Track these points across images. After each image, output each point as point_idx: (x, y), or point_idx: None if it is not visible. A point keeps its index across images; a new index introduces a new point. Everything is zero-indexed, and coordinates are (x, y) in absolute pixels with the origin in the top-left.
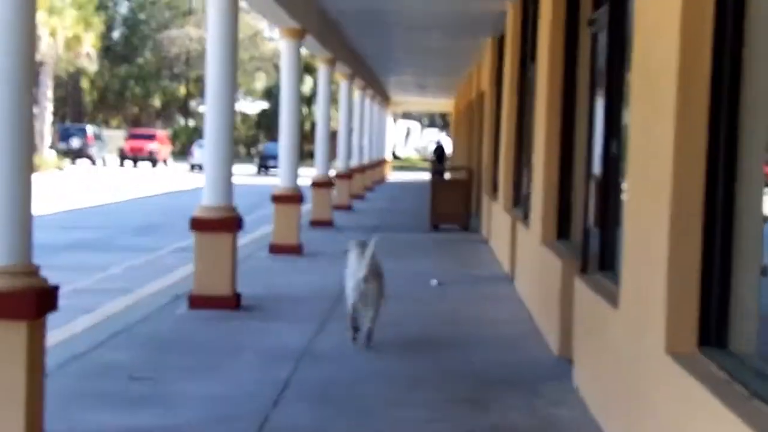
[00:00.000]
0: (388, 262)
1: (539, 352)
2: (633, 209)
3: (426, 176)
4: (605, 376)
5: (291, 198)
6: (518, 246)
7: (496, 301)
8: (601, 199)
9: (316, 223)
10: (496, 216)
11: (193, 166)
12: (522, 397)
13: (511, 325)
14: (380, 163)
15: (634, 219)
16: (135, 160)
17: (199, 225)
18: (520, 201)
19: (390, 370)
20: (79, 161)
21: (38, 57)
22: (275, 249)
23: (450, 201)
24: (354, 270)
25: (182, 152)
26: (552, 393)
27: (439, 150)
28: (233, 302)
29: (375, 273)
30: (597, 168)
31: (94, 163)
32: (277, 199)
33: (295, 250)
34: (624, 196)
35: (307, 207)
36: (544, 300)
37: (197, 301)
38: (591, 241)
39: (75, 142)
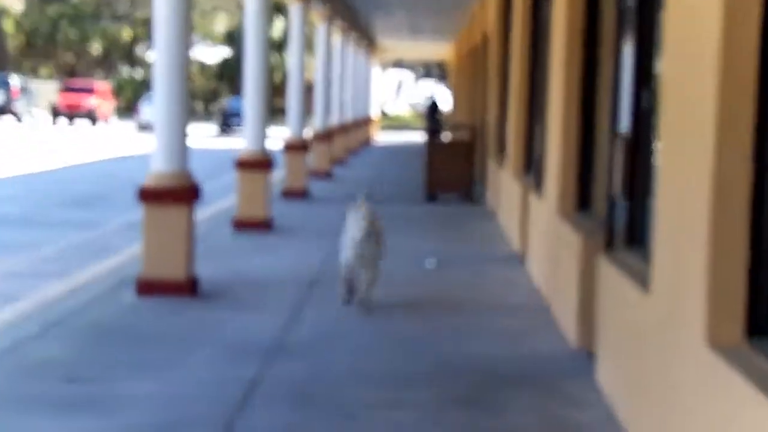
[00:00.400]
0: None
1: (555, 345)
2: (668, 174)
3: (421, 137)
4: (633, 371)
5: (258, 163)
6: (530, 219)
7: (503, 285)
8: (629, 163)
9: (288, 194)
10: (503, 184)
11: (141, 126)
12: (534, 397)
13: (521, 312)
14: (366, 121)
15: (668, 186)
16: (70, 118)
17: (148, 196)
18: (532, 166)
19: (377, 366)
20: (1, 118)
21: None
22: (240, 224)
23: (449, 166)
24: (352, 231)
25: (128, 109)
26: (570, 392)
27: (433, 106)
28: (189, 288)
29: (373, 231)
30: (624, 125)
31: (20, 120)
32: (242, 164)
33: (264, 225)
34: (657, 159)
35: (278, 174)
36: (561, 283)
37: (147, 287)
38: (617, 213)
39: None
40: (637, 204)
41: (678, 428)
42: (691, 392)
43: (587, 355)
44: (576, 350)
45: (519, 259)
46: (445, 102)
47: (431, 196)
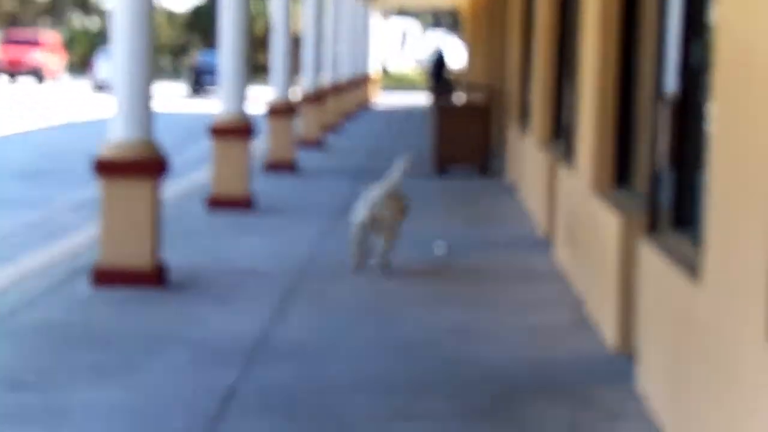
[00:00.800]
0: None
1: (589, 347)
2: (723, 142)
3: (428, 100)
4: (683, 376)
5: (237, 131)
6: (559, 197)
7: (526, 275)
8: (676, 130)
9: (273, 167)
10: (527, 155)
11: (97, 85)
12: (565, 409)
13: (549, 308)
14: (363, 81)
15: (723, 156)
16: (12, 75)
17: (106, 169)
18: (561, 133)
19: (380, 371)
20: None
21: None
22: (216, 202)
23: (462, 134)
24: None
25: (81, 65)
26: (607, 402)
27: (439, 61)
28: (156, 277)
29: (394, 195)
30: (671, 85)
31: None
32: (218, 132)
33: (244, 203)
34: (710, 125)
35: (260, 143)
36: (596, 272)
37: (105, 277)
38: (662, 189)
39: None
40: (686, 178)
41: None
42: (751, 398)
43: (626, 358)
44: (613, 352)
45: (545, 244)
46: (457, 57)
47: (441, 169)
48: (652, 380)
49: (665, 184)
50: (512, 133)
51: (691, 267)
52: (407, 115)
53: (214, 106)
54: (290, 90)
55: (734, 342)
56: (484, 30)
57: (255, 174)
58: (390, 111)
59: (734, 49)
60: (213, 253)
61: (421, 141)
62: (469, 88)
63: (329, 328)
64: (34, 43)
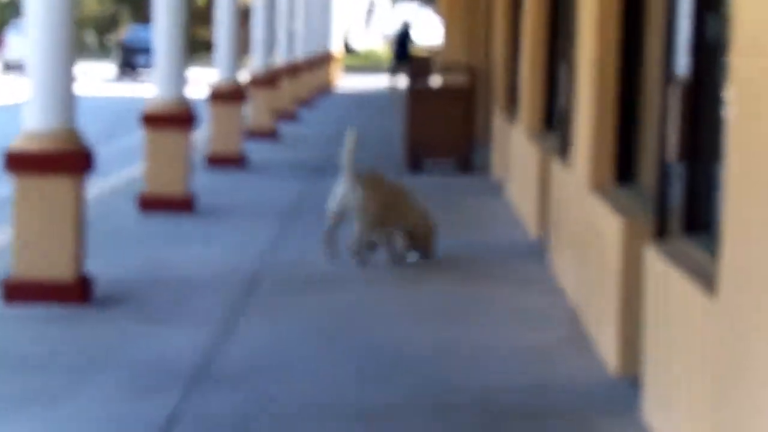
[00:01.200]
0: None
1: (587, 369)
2: (742, 132)
3: (400, 82)
4: (693, 404)
5: (174, 119)
6: (553, 196)
7: (517, 286)
8: (688, 116)
9: (217, 161)
10: (515, 147)
11: (7, 65)
12: None
13: (542, 324)
14: (324, 60)
15: (743, 148)
16: None
17: (20, 163)
18: (554, 122)
19: (344, 397)
20: None
21: None
22: (150, 203)
23: (440, 123)
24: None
25: None
26: None
27: (403, 35)
28: (79, 291)
29: (370, 179)
30: (682, 64)
31: None
32: (152, 120)
33: (183, 204)
34: (727, 111)
35: (201, 134)
36: (595, 284)
37: (19, 291)
38: (672, 186)
39: None
40: (700, 174)
41: None
42: None
43: (630, 383)
44: (615, 376)
45: (537, 250)
46: (432, 32)
47: (415, 164)
48: (659, 408)
49: (675, 181)
50: (498, 122)
51: (705, 278)
52: (375, 100)
53: (146, 90)
54: (237, 71)
55: (755, 366)
56: (465, 3)
57: (196, 170)
58: (355, 95)
59: (756, 24)
60: (147, 263)
61: (391, 131)
62: (447, 68)
63: (285, 347)
64: None
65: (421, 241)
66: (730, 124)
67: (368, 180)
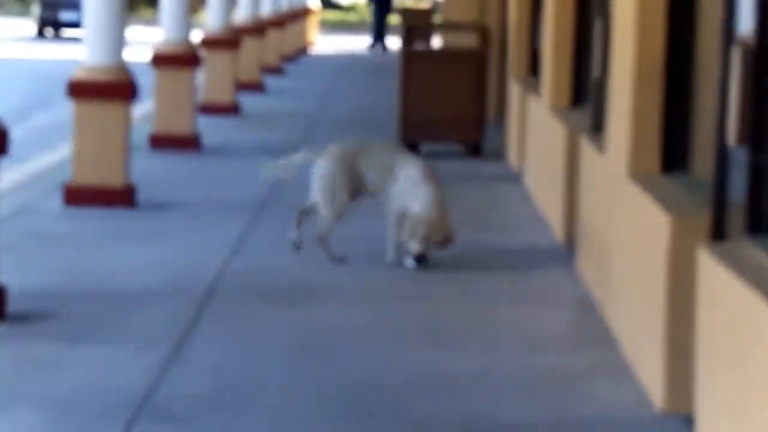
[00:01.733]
0: (310, 229)
1: (625, 404)
2: None
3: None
4: None
5: (109, 88)
6: (582, 187)
7: (538, 300)
8: (755, 88)
9: (163, 142)
10: (537, 126)
11: None
12: None
13: (568, 347)
14: (297, 16)
15: None
16: None
17: None
18: (584, 95)
19: None
20: None
21: None
22: (77, 195)
23: (442, 96)
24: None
25: None
26: None
27: None
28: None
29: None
30: (748, 22)
31: None
32: (81, 90)
33: (120, 196)
34: None
35: (143, 108)
36: (636, 297)
37: None
38: (732, 176)
39: None
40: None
41: None
42: None
43: (680, 421)
44: (661, 412)
45: (562, 255)
46: None
47: (411, 146)
48: None
49: (737, 169)
50: (516, 93)
51: None
52: (361, 65)
53: (75, 52)
54: (188, 31)
55: None
56: None
57: (137, 154)
58: (336, 58)
59: None
60: (75, 270)
61: (381, 102)
62: (449, 28)
63: (245, 376)
64: None
65: (423, 232)
66: None
67: (338, 151)
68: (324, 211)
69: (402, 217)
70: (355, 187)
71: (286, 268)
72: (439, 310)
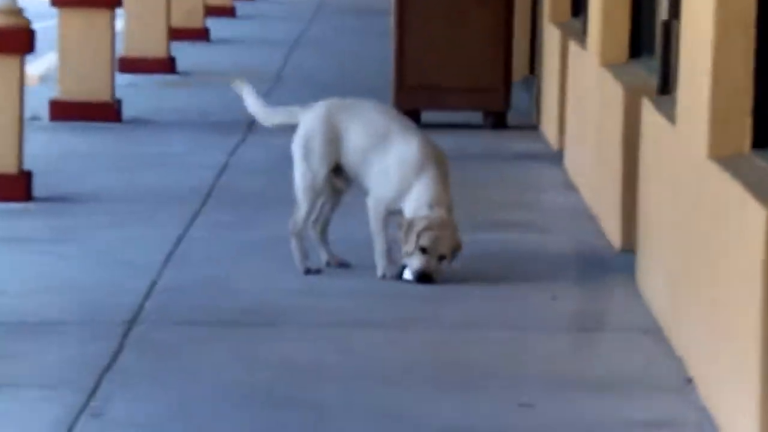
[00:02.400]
0: (282, 224)
1: None
2: None
3: None
4: None
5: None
6: (649, 172)
7: (587, 327)
8: None
9: (69, 110)
10: (582, 85)
11: None
12: None
13: (631, 391)
14: None
15: None
16: None
17: None
18: (645, 45)
19: None
20: None
21: None
22: None
23: (452, 46)
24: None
25: None
26: None
27: None
28: None
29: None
30: None
31: None
32: None
33: (13, 185)
34: None
35: (42, 64)
36: (728, 321)
37: None
38: None
39: None
40: None
41: None
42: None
43: None
44: None
45: (619, 264)
46: None
47: (409, 115)
48: None
49: None
50: (553, 40)
51: None
52: (335, 1)
53: None
54: None
55: None
56: None
57: (33, 127)
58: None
59: None
60: None
61: (369, 55)
62: None
63: (177, 430)
64: None
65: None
66: None
67: (322, 110)
68: (298, 190)
69: (389, 214)
70: (337, 160)
71: (237, 280)
72: (447, 339)
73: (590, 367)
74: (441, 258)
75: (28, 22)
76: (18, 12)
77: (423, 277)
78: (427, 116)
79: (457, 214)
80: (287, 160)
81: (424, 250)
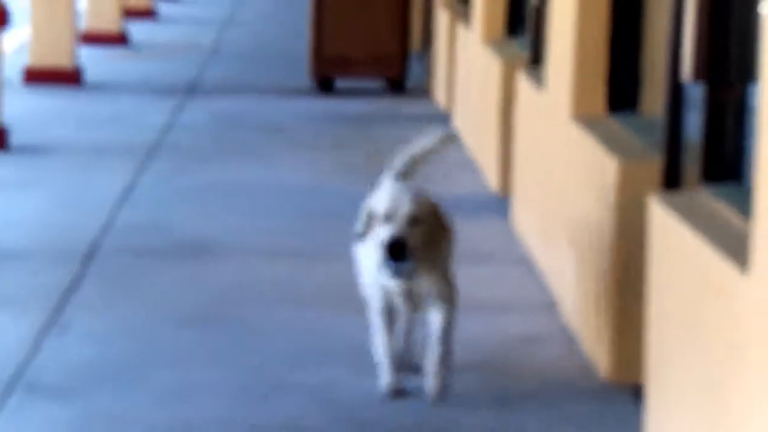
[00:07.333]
0: (219, 173)
1: (572, 374)
2: None
3: None
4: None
5: None
6: (519, 130)
7: (470, 257)
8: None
9: (39, 76)
10: (467, 58)
11: None
12: None
13: (507, 311)
14: None
15: None
16: None
17: None
18: (522, 23)
19: (208, 417)
20: None
21: None
22: None
23: (359, 23)
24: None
25: None
26: None
27: None
28: None
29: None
30: None
31: None
32: None
33: None
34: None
35: (17, 37)
36: (581, 253)
37: None
38: (686, 116)
39: None
40: (726, 95)
41: None
42: None
43: (628, 393)
44: (606, 384)
45: (497, 206)
46: None
47: (324, 82)
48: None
49: (692, 110)
50: (443, 20)
51: (733, 246)
52: None
53: None
54: None
55: None
56: None
57: (9, 90)
58: None
59: None
60: None
61: (293, 33)
62: None
63: (133, 343)
64: None
65: None
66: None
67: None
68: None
69: None
70: None
71: (179, 220)
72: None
73: (471, 292)
74: (413, 221)
75: (3, 2)
76: None
77: (395, 246)
78: (339, 83)
79: (359, 161)
80: (222, 120)
81: (387, 218)
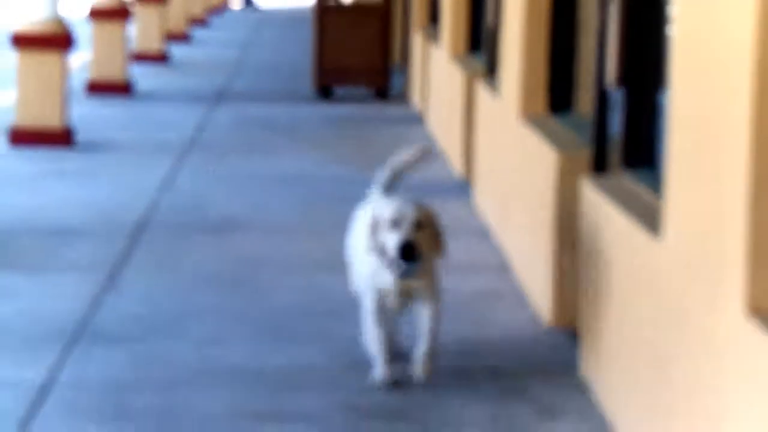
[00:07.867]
0: (242, 164)
1: (523, 322)
2: (686, 52)
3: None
4: (635, 361)
5: (48, 39)
6: (479, 127)
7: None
8: (630, 30)
9: (98, 88)
10: (437, 70)
11: None
12: None
13: (467, 272)
14: None
15: (687, 70)
16: None
17: None
18: (480, 42)
19: (240, 361)
20: None
21: None
22: (21, 136)
23: (352, 44)
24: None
25: None
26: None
27: None
28: None
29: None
30: None
31: None
32: (23, 41)
33: (60, 137)
34: (672, 27)
35: (81, 57)
36: (528, 226)
37: None
38: (611, 116)
39: None
40: (641, 99)
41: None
42: (733, 376)
43: (567, 337)
44: (551, 329)
45: (461, 189)
46: None
47: (324, 90)
48: (595, 368)
49: (615, 110)
50: (417, 42)
51: (648, 216)
52: (281, 19)
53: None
54: None
55: (704, 314)
56: None
57: (74, 99)
58: (260, 11)
59: None
60: (15, 206)
61: (300, 53)
62: None
63: (178, 301)
64: None
65: None
66: (673, 43)
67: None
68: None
69: None
70: None
71: (211, 202)
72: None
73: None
74: (418, 226)
75: (69, 29)
76: (62, 23)
77: (407, 248)
78: (337, 91)
79: (351, 153)
80: (244, 122)
81: (394, 223)
